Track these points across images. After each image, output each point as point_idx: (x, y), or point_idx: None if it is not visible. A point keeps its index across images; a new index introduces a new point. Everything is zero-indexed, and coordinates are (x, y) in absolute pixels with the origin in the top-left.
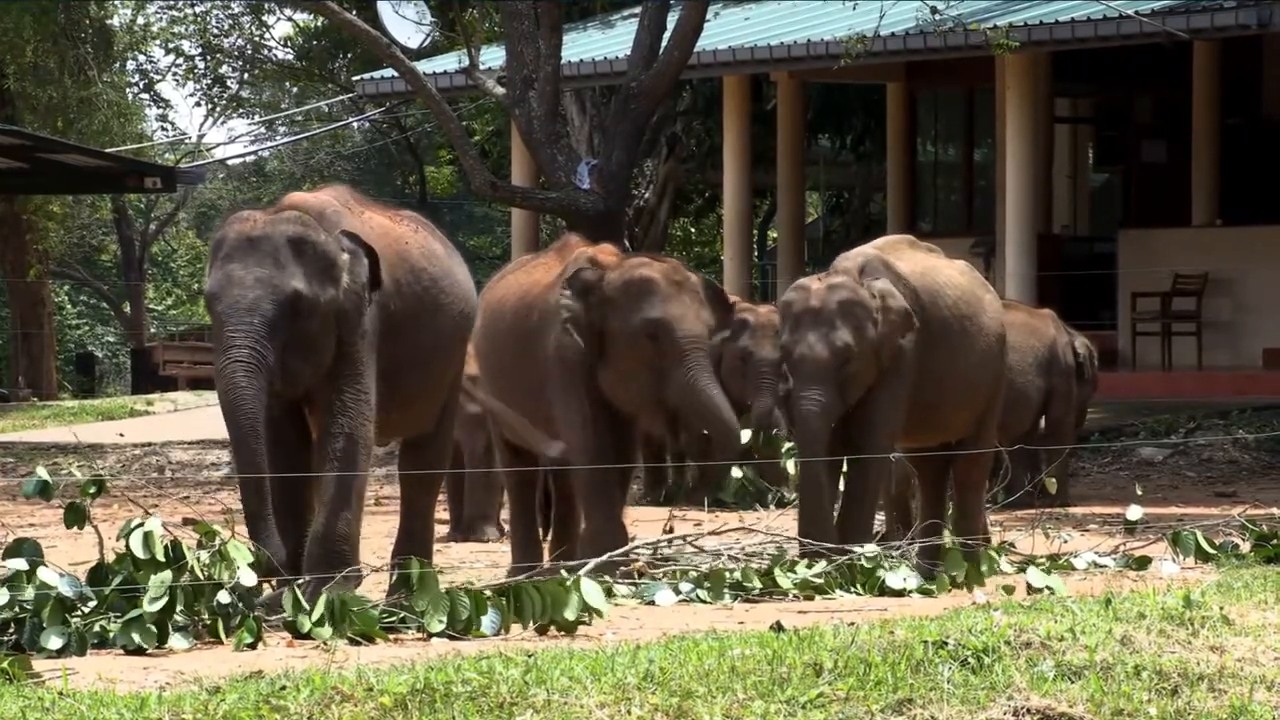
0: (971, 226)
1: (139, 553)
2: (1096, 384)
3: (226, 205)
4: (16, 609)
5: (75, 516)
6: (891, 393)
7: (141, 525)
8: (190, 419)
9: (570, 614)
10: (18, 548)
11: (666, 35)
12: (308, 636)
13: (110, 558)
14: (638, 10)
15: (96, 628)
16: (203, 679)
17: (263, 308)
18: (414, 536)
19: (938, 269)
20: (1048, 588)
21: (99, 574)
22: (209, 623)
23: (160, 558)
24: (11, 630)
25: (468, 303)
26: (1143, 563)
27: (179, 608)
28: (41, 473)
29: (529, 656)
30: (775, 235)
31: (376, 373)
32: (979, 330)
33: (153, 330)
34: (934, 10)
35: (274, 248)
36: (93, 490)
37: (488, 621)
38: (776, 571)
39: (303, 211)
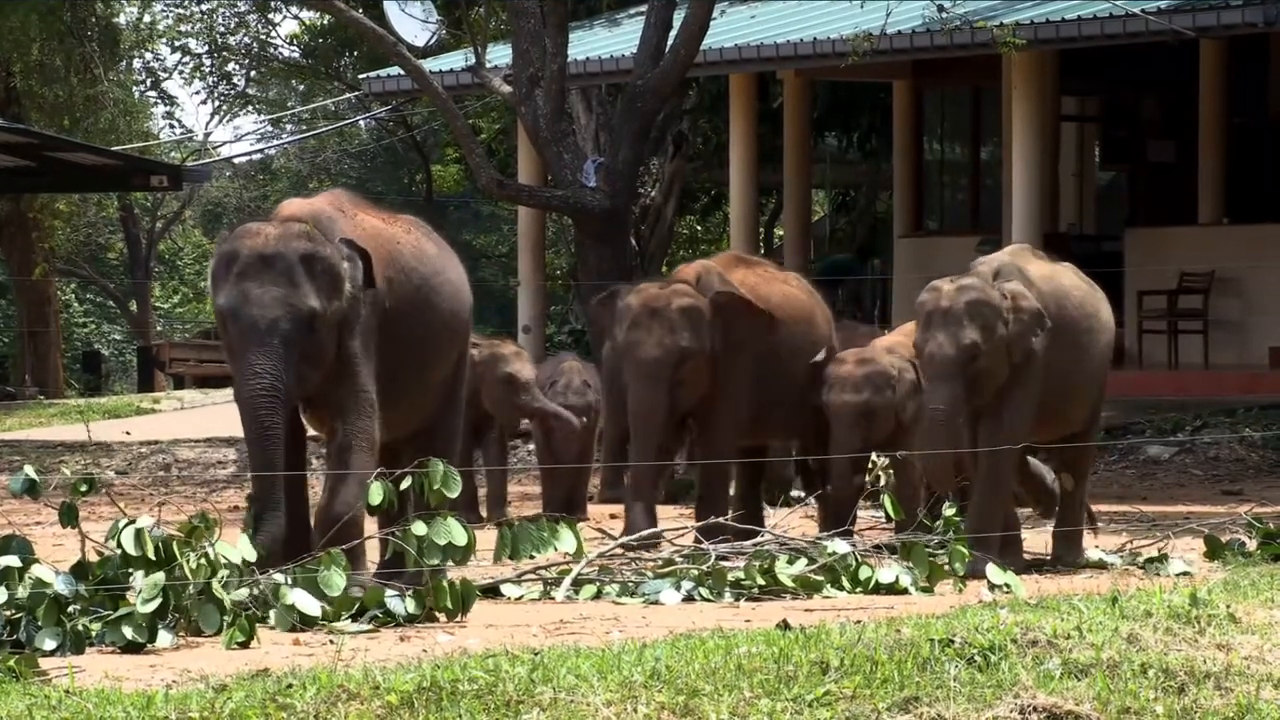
0: (978, 225)
1: (131, 550)
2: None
3: (233, 203)
4: (12, 609)
5: (69, 516)
6: (1022, 392)
7: (132, 523)
8: (197, 417)
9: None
10: (6, 544)
11: (673, 34)
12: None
13: (94, 557)
14: (644, 8)
15: (88, 625)
16: (209, 677)
17: (281, 328)
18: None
19: (1061, 274)
20: (1005, 585)
21: (80, 572)
22: (194, 619)
23: (151, 556)
24: (9, 630)
25: (459, 301)
26: (1150, 562)
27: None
28: (29, 471)
29: (535, 654)
30: (781, 233)
31: (376, 371)
32: (1100, 331)
33: (159, 329)
34: (941, 9)
35: (288, 265)
36: (84, 489)
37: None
38: (778, 567)
39: (302, 221)
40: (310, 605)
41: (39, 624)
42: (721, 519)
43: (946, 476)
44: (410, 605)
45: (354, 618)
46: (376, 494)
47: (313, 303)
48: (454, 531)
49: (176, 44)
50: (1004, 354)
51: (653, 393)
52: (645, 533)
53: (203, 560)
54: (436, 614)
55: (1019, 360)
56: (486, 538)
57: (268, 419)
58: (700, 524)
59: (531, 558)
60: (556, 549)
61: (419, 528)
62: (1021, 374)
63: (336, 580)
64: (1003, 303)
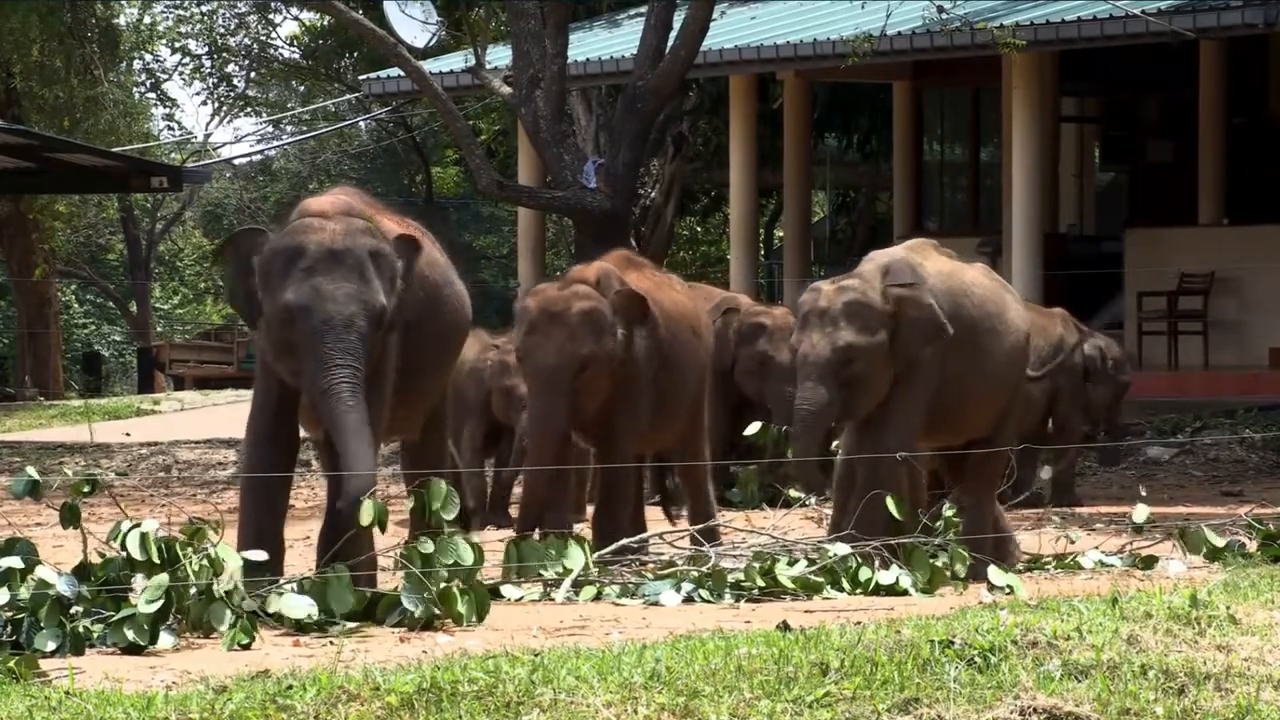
0: (978, 226)
1: (135, 553)
2: (1120, 383)
3: (233, 204)
4: (13, 610)
5: (71, 516)
6: (909, 395)
7: (137, 526)
8: (197, 418)
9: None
10: (10, 546)
11: (673, 34)
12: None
13: (96, 559)
14: (644, 9)
15: (89, 627)
16: (209, 678)
17: (358, 324)
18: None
19: (962, 270)
20: (1008, 586)
21: (83, 574)
22: (196, 621)
23: (155, 559)
24: (10, 630)
25: (462, 312)
26: (1149, 562)
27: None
28: (31, 472)
29: (535, 656)
30: (781, 235)
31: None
32: (1004, 330)
33: (159, 330)
34: (941, 9)
35: (358, 261)
36: (86, 489)
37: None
38: (779, 568)
39: (324, 215)
40: (300, 609)
41: (41, 625)
42: (715, 523)
43: (814, 479)
44: (420, 610)
45: (367, 619)
46: (367, 513)
47: (383, 299)
48: (460, 551)
49: (176, 45)
50: (883, 361)
51: (552, 399)
52: (647, 534)
53: (204, 562)
54: (445, 621)
55: (903, 369)
56: (486, 539)
57: (356, 414)
58: (699, 526)
59: (539, 576)
60: (565, 566)
61: (426, 546)
62: (909, 379)
63: (347, 597)
64: (885, 307)
